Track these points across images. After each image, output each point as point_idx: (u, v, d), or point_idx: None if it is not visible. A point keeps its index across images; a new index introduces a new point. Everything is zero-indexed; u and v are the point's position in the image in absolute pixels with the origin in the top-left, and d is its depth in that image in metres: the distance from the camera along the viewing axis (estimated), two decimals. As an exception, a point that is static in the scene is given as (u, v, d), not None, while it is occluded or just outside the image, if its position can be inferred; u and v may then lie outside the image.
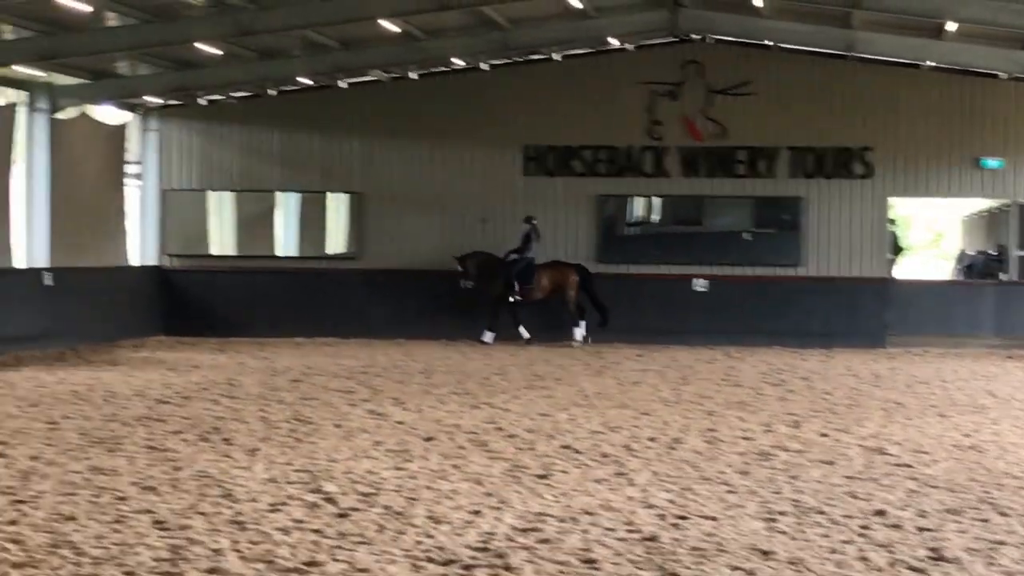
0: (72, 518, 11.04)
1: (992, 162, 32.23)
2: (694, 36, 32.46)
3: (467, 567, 9.65)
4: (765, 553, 10.14)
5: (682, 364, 26.83)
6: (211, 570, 9.46)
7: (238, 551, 9.98)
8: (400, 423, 17.33)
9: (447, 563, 9.76)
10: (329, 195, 34.16)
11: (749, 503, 12.07)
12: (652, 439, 16.08)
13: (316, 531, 10.70)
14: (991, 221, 39.14)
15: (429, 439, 15.89)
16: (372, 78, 32.96)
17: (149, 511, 11.37)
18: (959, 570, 9.75)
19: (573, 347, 31.04)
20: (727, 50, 32.73)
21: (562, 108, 33.24)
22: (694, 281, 32.40)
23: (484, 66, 33.00)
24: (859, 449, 15.47)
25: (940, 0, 26.17)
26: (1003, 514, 11.71)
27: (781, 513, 11.63)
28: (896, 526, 11.16)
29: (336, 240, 34.53)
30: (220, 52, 29.17)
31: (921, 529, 11.06)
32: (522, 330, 31.58)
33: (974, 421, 18.13)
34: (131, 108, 33.76)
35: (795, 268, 32.64)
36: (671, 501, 12.11)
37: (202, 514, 11.28)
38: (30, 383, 21.82)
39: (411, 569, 9.59)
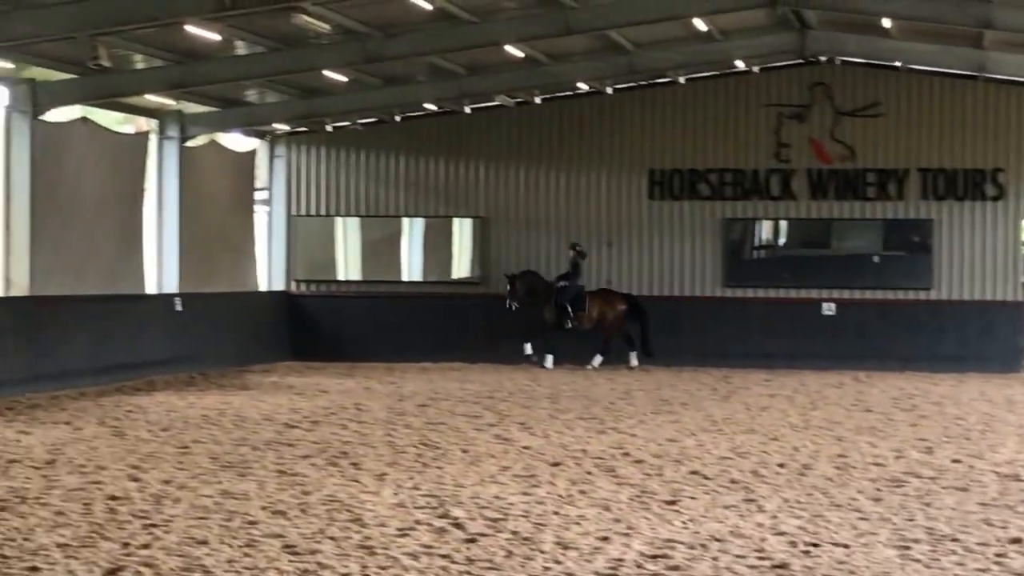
0: (204, 542, 11.13)
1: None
2: (821, 58, 32.18)
3: (596, 594, 9.60)
4: (899, 581, 9.98)
5: (811, 389, 26.57)
6: (341, 595, 9.49)
7: (367, 576, 10.02)
8: (527, 448, 17.30)
9: (576, 589, 9.71)
10: (454, 220, 34.26)
11: (882, 530, 11.89)
12: (781, 465, 15.91)
13: (444, 556, 10.68)
14: None
15: (556, 464, 15.85)
16: (496, 103, 33.04)
17: (279, 535, 11.43)
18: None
19: (631, 369, 31.27)
20: (855, 71, 32.42)
21: (687, 131, 33.10)
22: (823, 305, 32.09)
23: (608, 90, 32.96)
24: (994, 475, 15.21)
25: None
26: None
27: (915, 541, 11.44)
28: (1034, 555, 10.95)
29: (461, 265, 34.63)
30: (346, 79, 29.39)
31: (1059, 558, 10.84)
32: (549, 358, 31.62)
33: (1112, 447, 17.76)
34: (259, 135, 34.13)
35: (926, 291, 32.18)
36: (802, 528, 11.96)
37: (331, 539, 11.32)
38: (161, 407, 22.09)
39: (540, 595, 9.56)
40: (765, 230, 33.61)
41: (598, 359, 31.66)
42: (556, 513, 12.58)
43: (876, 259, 32.67)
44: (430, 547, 11.02)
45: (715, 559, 10.67)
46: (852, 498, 13.57)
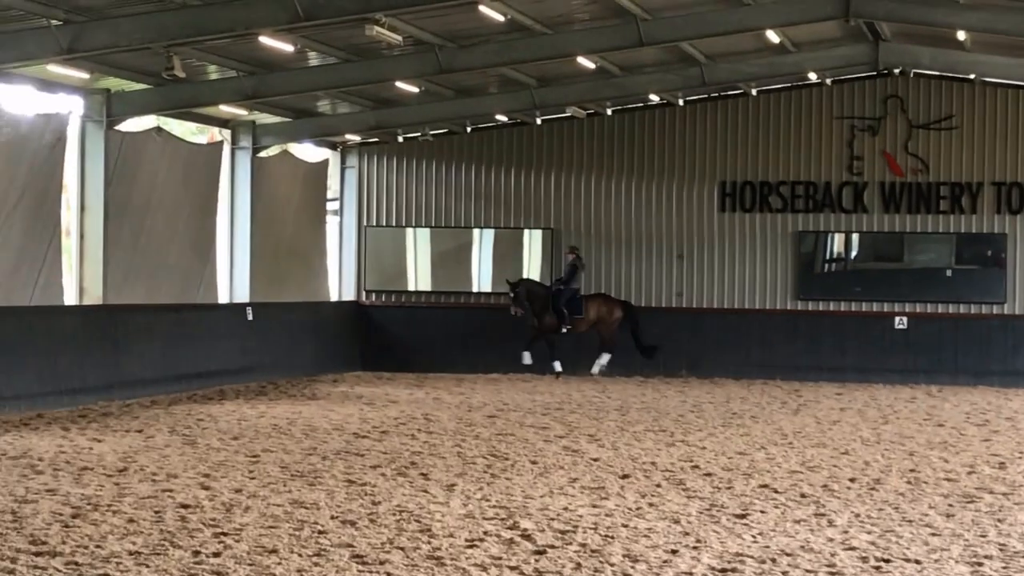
0: (274, 551, 11.17)
1: None
2: (895, 70, 32.00)
3: (665, 607, 9.57)
4: (971, 598, 9.90)
5: (882, 403, 26.40)
6: (409, 605, 9.50)
7: (436, 587, 10.02)
8: (595, 460, 17.28)
9: (645, 603, 9.68)
10: (524, 231, 34.25)
11: (954, 546, 11.78)
12: (852, 479, 15.81)
13: (513, 568, 10.68)
14: None
15: (625, 476, 15.82)
16: (568, 115, 33.03)
17: (349, 545, 11.46)
18: None
19: (593, 375, 31.49)
20: (928, 84, 32.20)
21: (759, 143, 32.99)
22: (895, 319, 31.89)
23: (680, 101, 32.89)
24: (1068, 492, 15.05)
25: None
26: None
27: (987, 557, 11.34)
28: (1109, 573, 10.82)
29: (531, 276, 34.57)
30: (418, 90, 29.47)
31: None
32: (527, 356, 31.53)
33: None
34: (330, 145, 34.29)
35: (999, 306, 31.90)
36: (872, 543, 11.87)
37: (400, 549, 11.33)
38: (232, 416, 22.21)
39: (609, 608, 9.54)
40: (837, 243, 33.41)
41: (605, 358, 31.82)
42: (625, 525, 12.55)
43: (949, 273, 32.42)
44: (499, 558, 11.02)
45: (785, 573, 10.61)
46: (924, 513, 13.47)
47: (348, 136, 33.54)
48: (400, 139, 34.30)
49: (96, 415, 22.05)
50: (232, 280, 30.99)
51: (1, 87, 24.13)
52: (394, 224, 34.62)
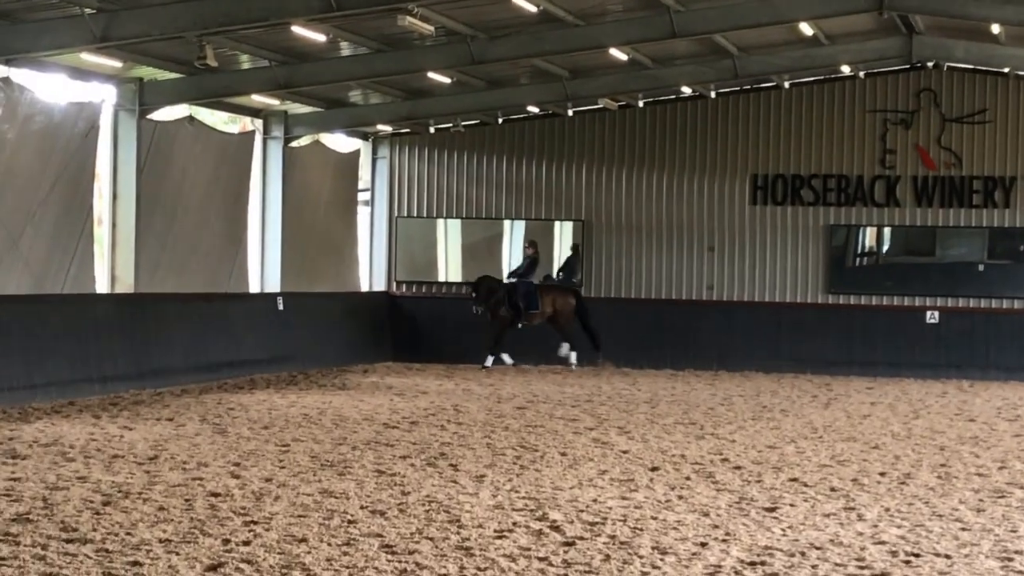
0: (303, 540, 11.19)
1: None
2: (928, 63, 31.87)
3: (694, 600, 9.56)
4: (1002, 594, 9.86)
5: (913, 397, 26.33)
6: (438, 595, 9.51)
7: (465, 577, 10.03)
8: (625, 452, 17.27)
9: (674, 595, 9.68)
10: (555, 223, 34.23)
11: (984, 542, 11.74)
12: (882, 474, 15.77)
13: (542, 559, 10.67)
14: None
15: (654, 469, 15.80)
16: (599, 106, 32.99)
17: (378, 535, 11.48)
18: None
19: (572, 367, 31.45)
20: (962, 77, 32.07)
21: (791, 136, 32.91)
22: (927, 313, 31.78)
23: (712, 94, 32.83)
24: (1100, 488, 14.98)
25: None
26: None
27: (1017, 552, 11.28)
28: None
29: (553, 268, 34.56)
30: (450, 81, 29.47)
31: None
32: (506, 356, 31.62)
33: None
34: (362, 136, 34.32)
35: (1033, 300, 31.81)
36: (902, 538, 11.84)
37: (430, 539, 11.34)
38: (262, 406, 22.26)
39: (637, 600, 9.53)
40: (869, 237, 33.31)
41: (573, 355, 31.80)
42: (654, 518, 12.54)
43: (981, 267, 32.30)
44: (528, 549, 11.02)
45: (814, 567, 10.58)
46: (954, 508, 13.42)
47: (380, 126, 33.57)
48: (432, 130, 34.31)
49: (127, 403, 22.13)
50: (263, 270, 31.05)
51: (34, 75, 24.21)
52: (425, 215, 34.64)
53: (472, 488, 14.05)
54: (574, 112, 33.54)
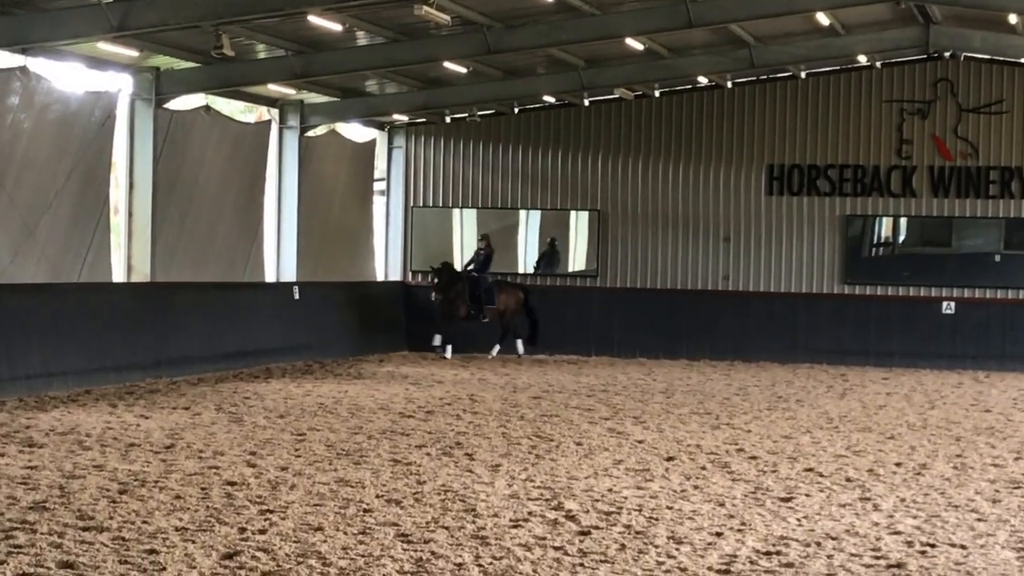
0: (319, 529, 11.22)
1: None
2: (945, 54, 31.80)
3: (709, 589, 9.57)
4: (1018, 585, 9.85)
5: (929, 388, 26.29)
6: (454, 584, 9.53)
7: (480, 566, 10.03)
8: (640, 442, 17.27)
9: (689, 585, 9.69)
10: (571, 213, 34.22)
11: (1000, 532, 11.73)
12: (898, 464, 15.76)
13: (558, 548, 10.69)
14: None
15: (670, 459, 15.81)
16: (615, 96, 32.97)
17: (394, 524, 11.50)
18: None
19: (520, 358, 31.48)
20: (979, 68, 31.99)
21: (807, 126, 32.85)
22: (943, 304, 31.72)
23: (728, 84, 32.79)
24: (1116, 479, 14.96)
25: None
26: None
27: (1034, 543, 11.30)
28: None
29: (577, 258, 34.61)
30: (466, 70, 29.46)
31: None
32: (437, 340, 31.40)
33: None
34: (378, 125, 34.33)
35: (1049, 291, 31.75)
36: (918, 528, 11.84)
37: (445, 528, 11.36)
38: (278, 395, 22.30)
39: (653, 589, 9.55)
40: (885, 227, 33.26)
41: (520, 344, 31.91)
42: (670, 508, 12.55)
43: (997, 258, 32.23)
44: (543, 539, 11.04)
45: (830, 557, 10.59)
46: (970, 499, 13.41)
47: (396, 116, 33.57)
48: (448, 119, 34.32)
49: (143, 392, 22.18)
50: (279, 259, 31.09)
51: (51, 65, 24.26)
52: (441, 205, 34.64)
53: (488, 477, 14.07)
54: (590, 102, 33.51)
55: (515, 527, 11.49)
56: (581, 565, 10.14)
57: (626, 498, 13.00)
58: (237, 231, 29.74)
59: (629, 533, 11.34)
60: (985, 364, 30.70)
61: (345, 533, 11.07)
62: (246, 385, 23.82)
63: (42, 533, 10.79)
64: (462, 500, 12.68)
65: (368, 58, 27.51)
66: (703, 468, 15.11)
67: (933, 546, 11.07)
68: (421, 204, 34.69)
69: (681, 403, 22.41)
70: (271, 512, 11.88)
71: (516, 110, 33.99)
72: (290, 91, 30.07)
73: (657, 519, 11.97)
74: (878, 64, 32.19)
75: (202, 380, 24.46)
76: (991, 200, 31.99)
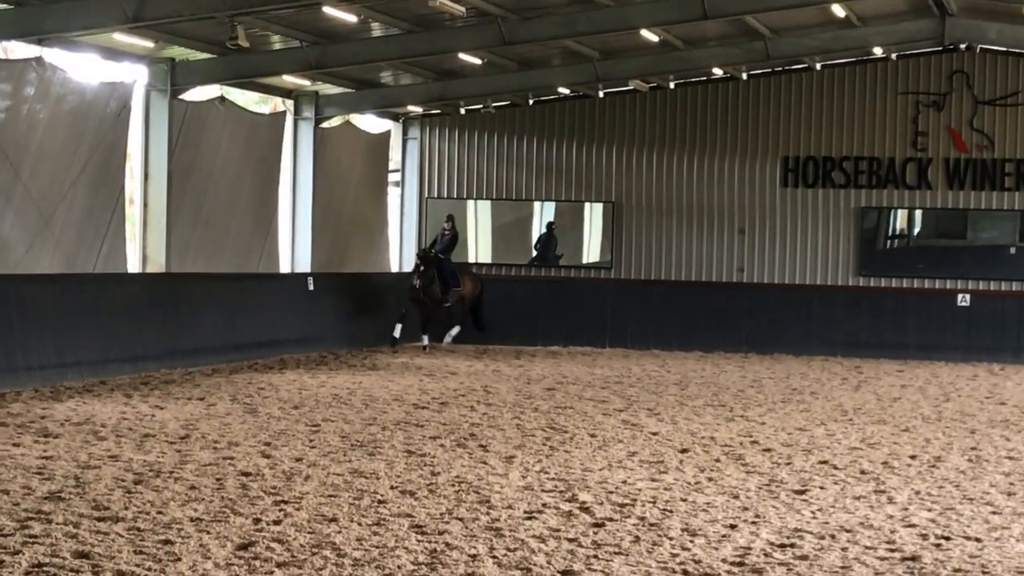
0: (334, 520, 11.23)
1: None
2: (961, 46, 31.73)
3: (723, 581, 9.57)
4: (1032, 578, 9.84)
5: (944, 380, 26.25)
6: (468, 575, 9.52)
7: (495, 557, 10.04)
8: (654, 434, 17.27)
9: (703, 577, 9.69)
10: (585, 205, 34.21)
11: (1014, 525, 11.72)
12: (913, 456, 15.75)
13: (572, 540, 10.70)
14: None
15: (684, 451, 15.81)
16: (630, 88, 32.95)
17: (408, 515, 11.51)
18: None
19: (444, 345, 31.23)
20: (995, 59, 31.92)
21: (822, 118, 32.81)
22: (958, 296, 31.67)
23: (743, 75, 32.75)
24: None
25: None
26: None
27: (1049, 537, 11.28)
28: None
29: (591, 249, 34.60)
30: (481, 62, 29.45)
31: None
32: (398, 332, 30.50)
33: None
34: (393, 117, 34.34)
35: (1064, 284, 31.69)
36: (933, 521, 11.83)
37: (459, 519, 11.37)
38: (293, 386, 22.32)
39: (667, 581, 9.55)
40: (900, 219, 33.22)
41: (456, 329, 31.63)
42: (684, 500, 12.55)
43: (1013, 250, 32.18)
44: (557, 530, 11.04)
45: (844, 550, 10.58)
46: (985, 492, 13.39)
47: (410, 107, 33.57)
48: (462, 111, 34.32)
49: (158, 382, 22.21)
50: (293, 250, 31.11)
51: (67, 55, 24.29)
52: (455, 196, 34.64)
53: (502, 469, 14.08)
54: (605, 94, 33.49)
55: (529, 519, 11.49)
56: (595, 557, 10.15)
57: (640, 490, 13.00)
58: (252, 222, 29.77)
59: (643, 525, 11.34)
60: (1000, 356, 30.63)
61: (359, 524, 11.08)
62: (261, 376, 23.85)
63: (57, 523, 10.82)
64: (476, 491, 12.69)
65: (383, 49, 27.51)
66: (717, 460, 15.10)
67: (948, 539, 11.07)
68: (435, 195, 34.70)
69: (695, 395, 22.40)
70: (286, 503, 11.90)
71: (531, 102, 33.97)
72: (305, 82, 30.08)
73: (671, 511, 11.97)
74: (893, 56, 32.13)
75: (217, 371, 24.50)
76: (1007, 192, 31.93)
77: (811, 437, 17.30)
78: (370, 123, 34.33)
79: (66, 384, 21.27)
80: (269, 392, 21.23)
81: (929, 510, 12.31)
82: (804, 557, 10.29)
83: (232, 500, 11.97)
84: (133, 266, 26.40)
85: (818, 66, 32.49)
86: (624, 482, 13.43)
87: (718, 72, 32.37)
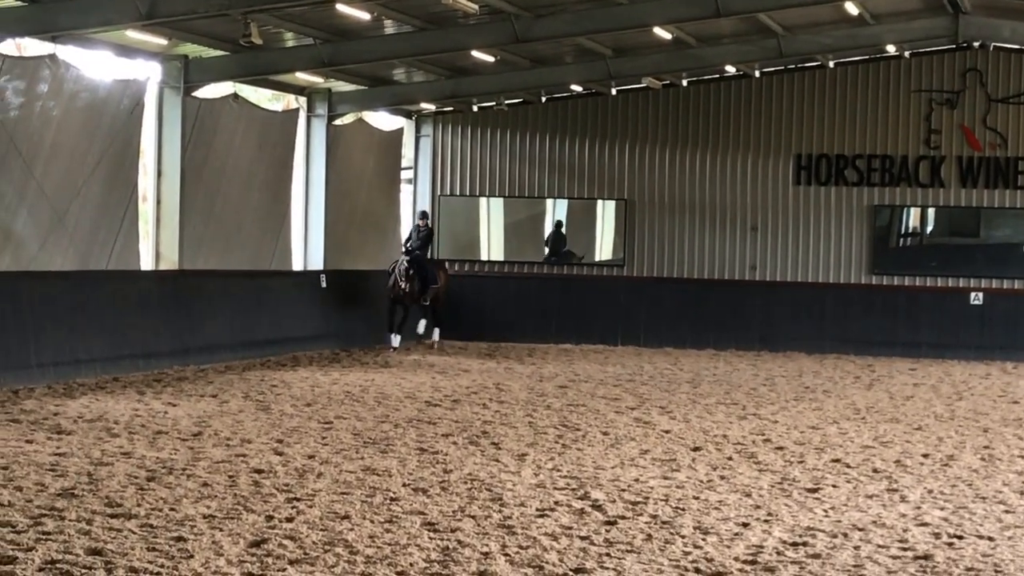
0: (346, 517, 11.25)
1: None
2: (974, 44, 31.67)
3: (736, 580, 9.57)
4: (1045, 577, 9.83)
5: (956, 379, 26.22)
6: (480, 573, 9.53)
7: (507, 555, 10.05)
8: (667, 432, 17.27)
9: (715, 575, 9.67)
10: (598, 202, 34.20)
11: (1028, 524, 11.72)
12: (925, 455, 15.74)
13: (584, 538, 10.70)
14: None
15: (696, 449, 15.81)
16: (643, 85, 32.93)
17: (420, 512, 11.52)
18: None
19: (433, 345, 30.79)
20: (1009, 57, 31.85)
21: (835, 116, 32.75)
22: (971, 294, 31.61)
23: (756, 73, 32.71)
24: None
25: None
26: None
27: (1062, 536, 11.26)
28: None
29: (604, 247, 34.59)
30: (493, 59, 29.44)
31: None
32: (396, 342, 29.70)
33: None
34: (405, 114, 34.35)
35: (1078, 282, 31.62)
36: (945, 520, 11.82)
37: (472, 517, 11.38)
38: (305, 383, 22.34)
39: (679, 580, 9.55)
40: (913, 217, 33.16)
41: (437, 332, 31.16)
42: (696, 498, 12.55)
43: (1026, 249, 32.12)
44: (569, 528, 11.05)
45: (856, 548, 10.58)
46: (997, 490, 13.38)
47: (423, 105, 33.57)
48: (475, 108, 34.31)
49: (171, 379, 22.25)
50: (306, 247, 31.14)
51: (80, 52, 24.31)
52: (468, 193, 34.64)
53: (514, 467, 14.08)
54: (617, 91, 33.46)
55: (541, 516, 11.50)
56: (607, 555, 10.15)
57: (652, 488, 13.00)
58: (264, 219, 29.79)
59: (655, 523, 11.34)
60: (1013, 355, 30.57)
61: (372, 521, 11.10)
62: (273, 373, 23.88)
63: (70, 520, 10.84)
64: (488, 489, 12.70)
65: (396, 46, 27.50)
66: (729, 458, 15.10)
67: (960, 538, 11.06)
68: (448, 193, 34.70)
69: (708, 393, 22.39)
70: (298, 500, 11.92)
71: (543, 99, 33.96)
72: (318, 79, 30.09)
73: (683, 509, 11.97)
74: (907, 54, 32.08)
75: (229, 368, 24.53)
76: (1020, 191, 31.86)
77: (824, 435, 17.29)
78: (383, 120, 34.34)
79: (79, 381, 21.30)
80: (282, 389, 21.26)
81: (942, 509, 12.31)
82: (816, 555, 10.29)
83: (245, 497, 11.99)
84: (146, 263, 26.43)
85: (831, 64, 32.45)
86: (636, 480, 13.44)
87: (731, 70, 32.33)
